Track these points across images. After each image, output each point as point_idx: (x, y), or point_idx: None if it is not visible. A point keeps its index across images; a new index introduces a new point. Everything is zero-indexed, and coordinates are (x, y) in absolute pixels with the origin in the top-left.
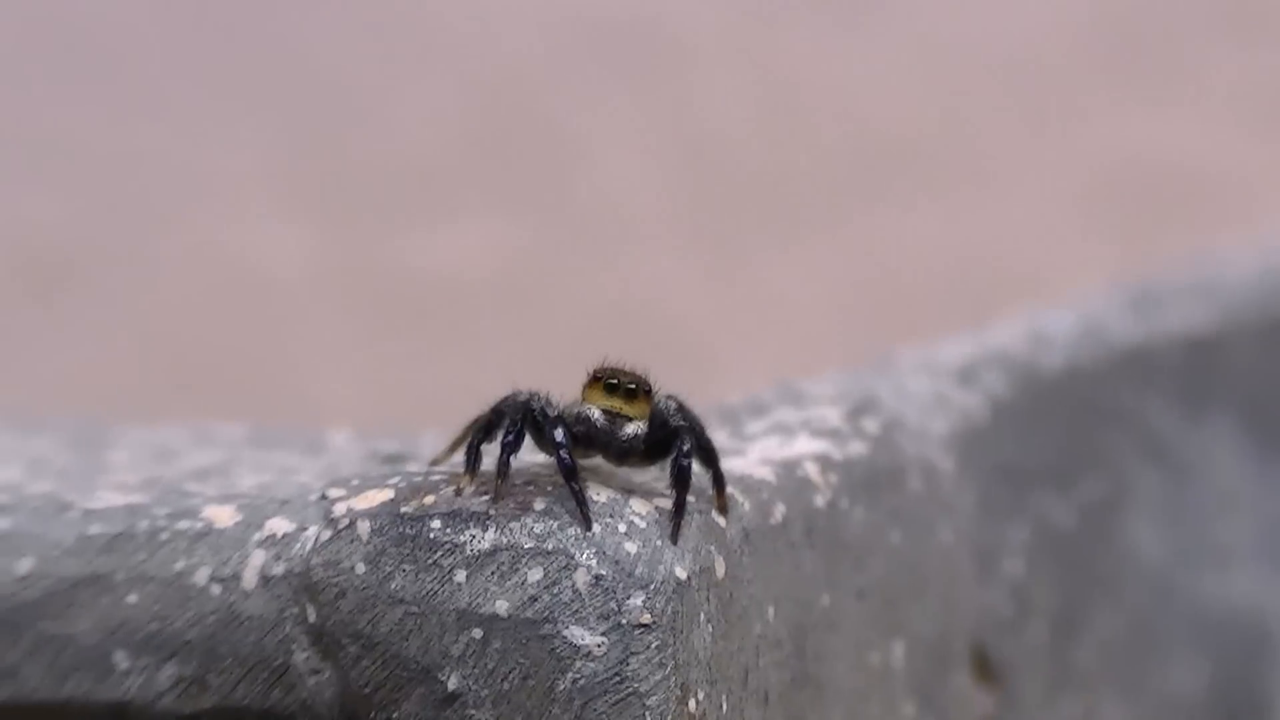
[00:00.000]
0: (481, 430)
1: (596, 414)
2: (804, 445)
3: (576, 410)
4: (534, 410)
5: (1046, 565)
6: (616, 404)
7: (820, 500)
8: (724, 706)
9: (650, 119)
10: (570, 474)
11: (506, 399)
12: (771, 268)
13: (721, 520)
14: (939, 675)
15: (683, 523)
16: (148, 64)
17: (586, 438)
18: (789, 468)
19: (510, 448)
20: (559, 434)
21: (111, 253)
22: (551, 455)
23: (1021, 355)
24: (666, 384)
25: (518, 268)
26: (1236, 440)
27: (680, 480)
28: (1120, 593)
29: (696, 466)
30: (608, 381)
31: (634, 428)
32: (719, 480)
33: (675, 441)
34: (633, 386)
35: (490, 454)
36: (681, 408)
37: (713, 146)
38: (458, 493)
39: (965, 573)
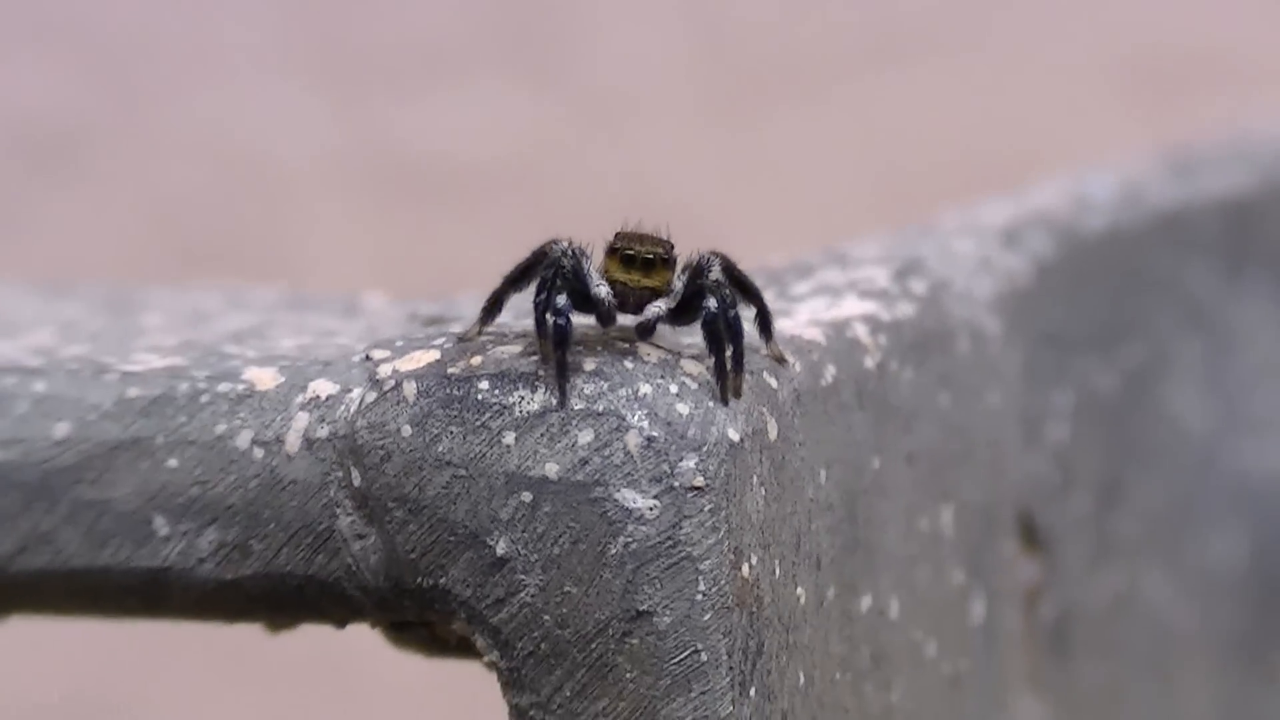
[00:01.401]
0: (509, 282)
1: (603, 291)
2: (852, 306)
3: (593, 282)
4: (564, 268)
5: (1090, 432)
6: (635, 277)
7: (870, 362)
8: (776, 571)
9: None
10: (558, 341)
11: (539, 251)
12: (786, 141)
13: (773, 381)
14: (987, 542)
15: (727, 385)
16: None
17: (604, 312)
18: (838, 328)
19: (545, 307)
20: (560, 300)
21: (115, 130)
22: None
23: (1064, 217)
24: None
25: (528, 144)
26: (1276, 306)
27: (712, 342)
28: (1162, 462)
29: (747, 325)
30: (624, 252)
31: (656, 307)
32: (767, 329)
33: (703, 299)
34: (650, 256)
35: (513, 308)
36: (727, 266)
37: (723, 17)
38: (462, 339)
39: (1012, 439)
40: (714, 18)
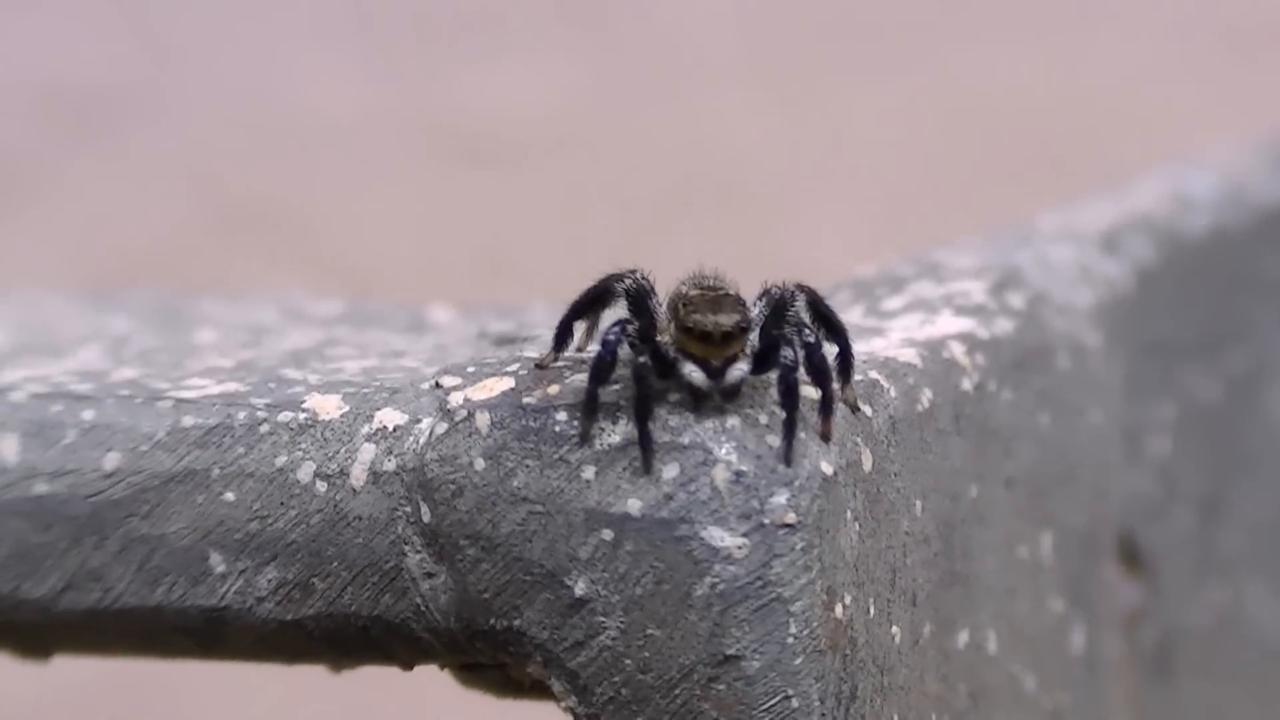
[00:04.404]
0: (574, 312)
1: (698, 378)
2: (947, 324)
3: (674, 360)
4: (629, 327)
5: (1193, 444)
6: (711, 352)
7: (968, 384)
8: (871, 610)
9: None
10: (644, 410)
11: (604, 281)
12: (850, 105)
13: (868, 409)
14: (1087, 567)
15: (794, 444)
16: None
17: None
18: (934, 349)
19: (600, 376)
20: (642, 362)
21: (151, 92)
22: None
23: (1164, 219)
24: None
25: (581, 107)
26: None
27: (788, 398)
28: (1267, 471)
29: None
30: (700, 332)
31: (739, 370)
32: (846, 372)
33: (778, 352)
34: (729, 331)
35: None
36: (813, 301)
37: None
38: (538, 365)
39: (1113, 456)
40: None
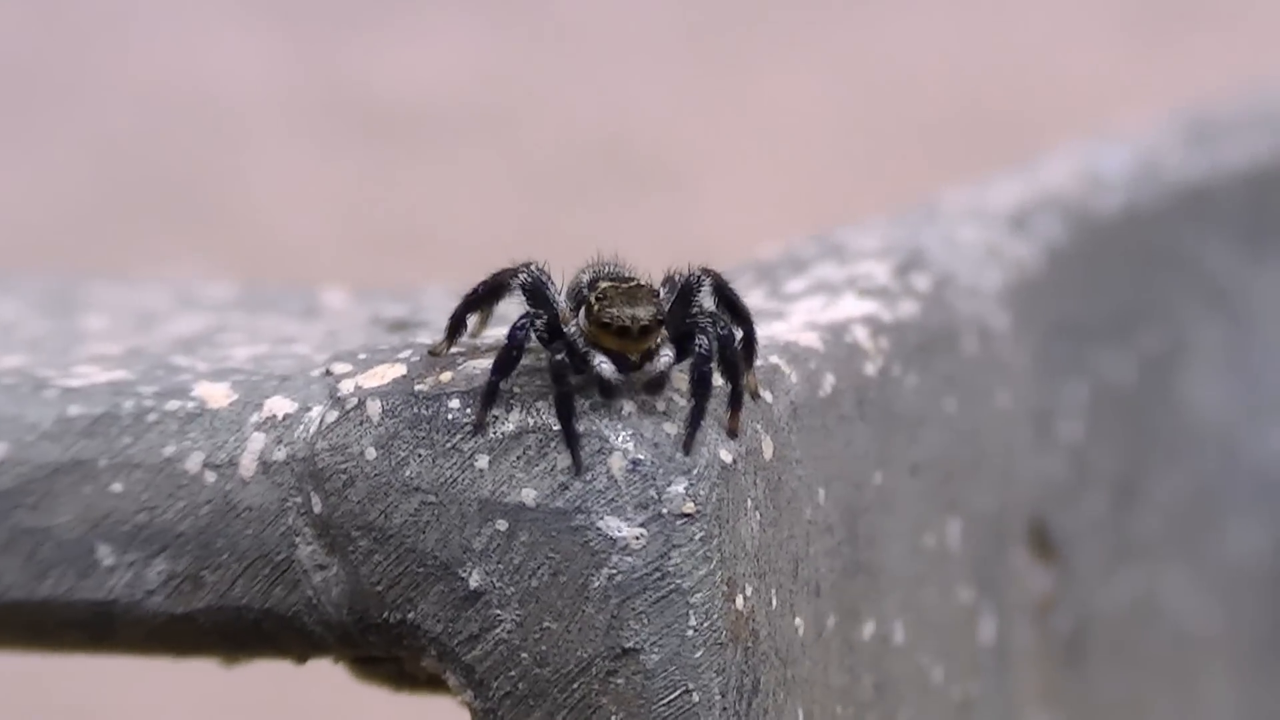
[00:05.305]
0: (467, 304)
1: (607, 370)
2: (851, 306)
3: (585, 353)
4: (536, 321)
5: (1105, 427)
6: (629, 347)
7: (871, 368)
8: (773, 601)
9: None
10: (566, 409)
11: (495, 278)
12: (765, 82)
13: (768, 395)
14: (996, 555)
15: (697, 435)
16: None
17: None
18: (836, 333)
19: (504, 369)
20: (560, 360)
21: (55, 71)
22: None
23: (1076, 197)
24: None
25: (492, 84)
26: None
27: (700, 387)
28: (1181, 454)
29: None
30: (618, 327)
31: (666, 357)
32: (749, 358)
33: (694, 339)
34: (647, 325)
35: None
36: (718, 285)
37: None
38: (431, 352)
39: (1023, 440)
40: None
